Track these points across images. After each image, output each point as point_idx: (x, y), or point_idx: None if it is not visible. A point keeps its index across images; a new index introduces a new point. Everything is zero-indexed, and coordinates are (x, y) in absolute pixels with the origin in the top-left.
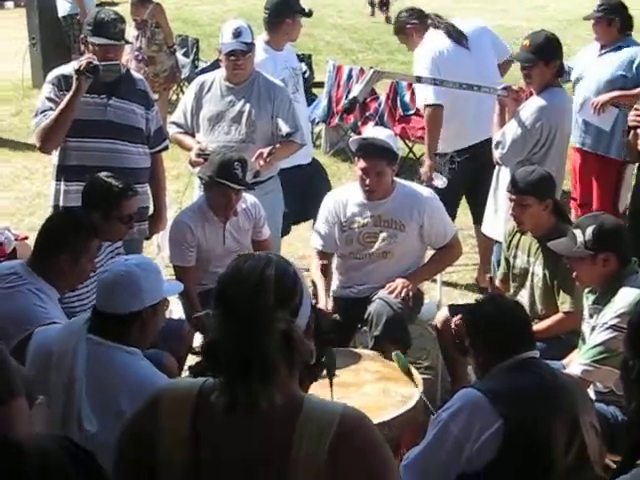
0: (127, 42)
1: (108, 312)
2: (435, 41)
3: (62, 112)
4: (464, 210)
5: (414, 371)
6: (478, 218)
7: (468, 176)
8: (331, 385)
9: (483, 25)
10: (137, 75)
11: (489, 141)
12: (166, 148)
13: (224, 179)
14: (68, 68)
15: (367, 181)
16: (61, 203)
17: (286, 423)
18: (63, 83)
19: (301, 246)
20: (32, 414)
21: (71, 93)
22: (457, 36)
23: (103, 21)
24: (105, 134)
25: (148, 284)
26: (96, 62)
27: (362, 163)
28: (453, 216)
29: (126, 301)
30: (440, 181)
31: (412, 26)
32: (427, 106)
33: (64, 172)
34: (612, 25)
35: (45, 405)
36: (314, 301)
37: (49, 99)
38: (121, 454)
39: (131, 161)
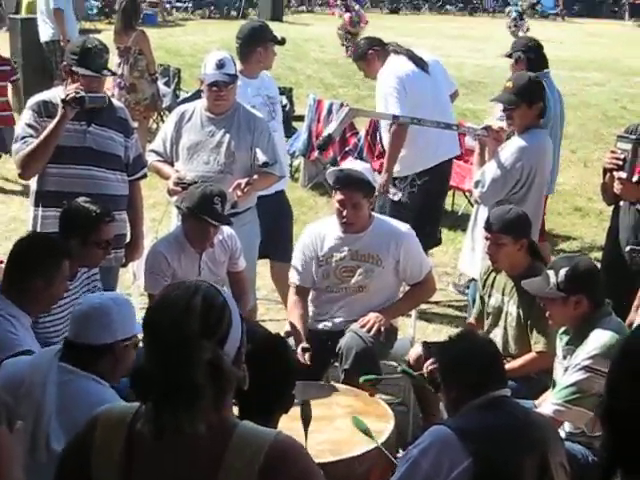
0: (113, 74)
1: (80, 342)
2: (399, 63)
3: (45, 140)
4: (441, 248)
5: (384, 406)
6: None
7: (427, 198)
8: (306, 437)
9: (436, 57)
10: (117, 103)
11: (450, 162)
12: (145, 176)
13: (203, 214)
14: (49, 94)
15: (344, 213)
16: (39, 229)
17: (215, 450)
18: (43, 110)
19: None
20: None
21: (56, 122)
22: (418, 61)
23: (89, 51)
24: (84, 161)
25: (120, 318)
26: (83, 93)
27: (339, 195)
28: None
29: (98, 332)
30: (395, 196)
31: (373, 52)
32: (394, 123)
33: (42, 198)
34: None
35: (22, 430)
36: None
37: (29, 125)
38: (61, 469)
39: (109, 188)
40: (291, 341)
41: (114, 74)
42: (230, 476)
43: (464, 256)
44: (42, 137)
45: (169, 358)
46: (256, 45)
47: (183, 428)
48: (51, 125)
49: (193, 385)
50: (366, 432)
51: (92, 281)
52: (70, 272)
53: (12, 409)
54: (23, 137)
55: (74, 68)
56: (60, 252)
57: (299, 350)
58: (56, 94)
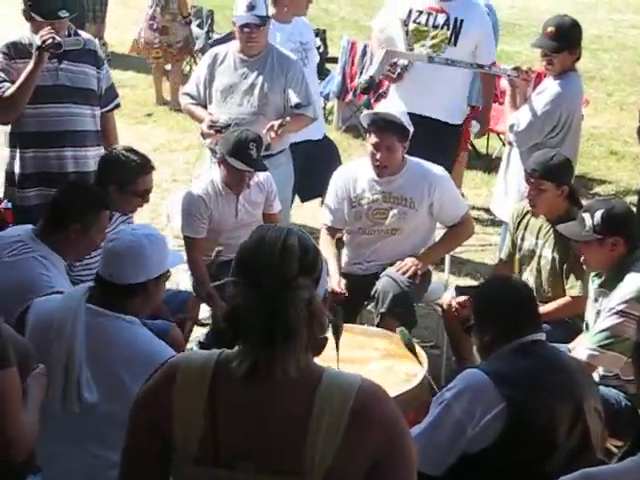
0: (71, 14)
1: (114, 282)
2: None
3: (22, 85)
4: (476, 191)
5: (418, 348)
6: None
7: None
8: (337, 347)
9: None
10: (85, 35)
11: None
12: (118, 106)
13: (238, 159)
14: (17, 35)
15: (378, 156)
16: (17, 170)
17: (305, 394)
18: (13, 51)
19: (309, 222)
20: (27, 384)
21: (32, 67)
22: None
23: None
24: (59, 99)
25: (156, 256)
26: (59, 38)
27: (373, 138)
28: None
29: (134, 272)
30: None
31: None
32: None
33: (19, 139)
34: None
35: (43, 374)
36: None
37: (1, 69)
38: (135, 423)
39: (85, 123)
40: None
41: (73, 14)
42: (322, 420)
43: (496, 199)
44: (19, 83)
45: (270, 297)
46: None
47: (275, 369)
48: (27, 70)
49: (291, 324)
50: (411, 348)
51: (127, 225)
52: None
53: (30, 353)
54: None
55: (32, 13)
56: (99, 202)
57: (335, 281)
58: (24, 35)
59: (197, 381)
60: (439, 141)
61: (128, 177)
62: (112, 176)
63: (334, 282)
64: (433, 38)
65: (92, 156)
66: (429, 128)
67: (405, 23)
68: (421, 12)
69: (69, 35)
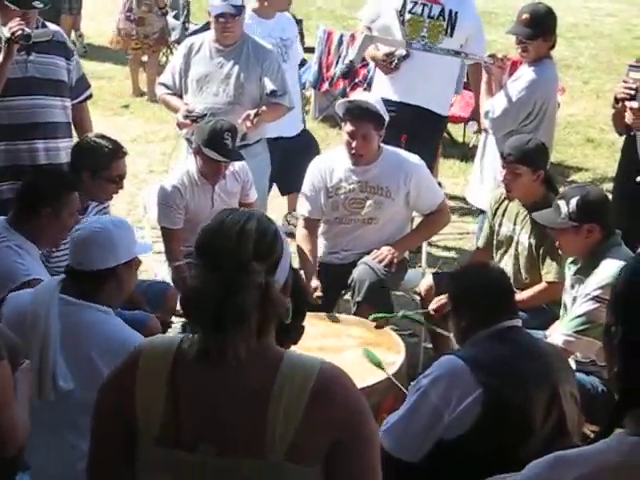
0: (45, 5)
1: (83, 269)
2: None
3: None
4: (453, 180)
5: (395, 337)
6: None
7: None
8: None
9: None
10: (53, 27)
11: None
12: (90, 97)
13: (213, 150)
14: None
15: (353, 144)
16: None
17: (263, 376)
18: None
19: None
20: (16, 378)
21: (1, 60)
22: None
23: None
24: (28, 91)
25: (123, 241)
26: (28, 30)
27: (348, 126)
28: None
29: (102, 257)
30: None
31: None
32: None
33: None
34: None
35: (29, 368)
36: (299, 267)
37: None
38: (100, 406)
39: (56, 115)
40: (301, 274)
41: (47, 6)
42: (280, 402)
43: (472, 186)
44: None
45: (222, 280)
46: None
47: (226, 351)
48: None
49: (241, 308)
50: (378, 364)
51: (103, 214)
52: (81, 206)
53: (18, 348)
54: None
55: (5, 2)
56: (68, 183)
57: (311, 286)
58: None
59: (158, 365)
60: (430, 132)
61: (101, 163)
62: (85, 163)
63: (309, 272)
64: (429, 29)
65: (63, 147)
66: (423, 119)
67: (400, 13)
68: (416, 2)
69: (36, 27)
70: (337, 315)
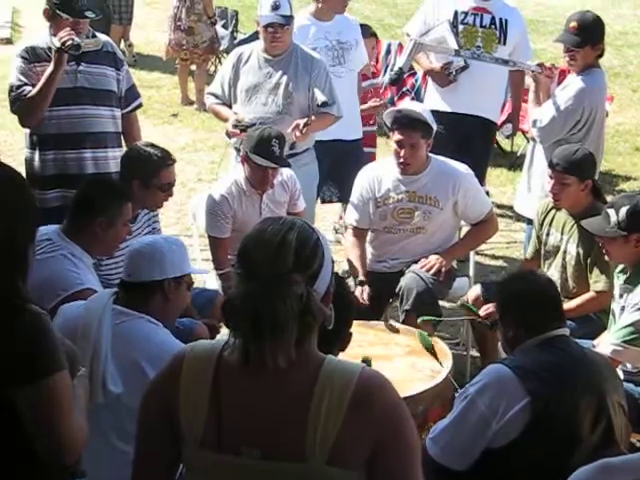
0: (96, 16)
1: (131, 281)
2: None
3: (43, 88)
4: (501, 189)
5: (442, 345)
6: None
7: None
8: None
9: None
10: (103, 37)
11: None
12: (139, 106)
13: (261, 156)
14: (35, 40)
15: (401, 153)
16: (37, 172)
17: (304, 381)
18: (32, 55)
19: (333, 217)
20: (74, 386)
21: (52, 69)
22: None
23: None
24: (78, 100)
25: (172, 256)
26: (77, 40)
27: (397, 135)
28: None
29: (148, 268)
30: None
31: None
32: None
33: (39, 141)
34: None
35: (85, 376)
36: (349, 276)
37: (22, 74)
38: (145, 413)
39: (105, 125)
40: (350, 282)
41: (98, 16)
42: (321, 408)
43: (520, 196)
44: (40, 85)
45: (261, 290)
46: None
47: (265, 359)
48: (47, 72)
49: (280, 318)
50: (428, 347)
51: (153, 222)
52: (132, 214)
53: (76, 356)
54: (18, 86)
55: (57, 11)
56: (122, 194)
57: (357, 287)
58: (42, 39)
59: (202, 370)
60: (485, 140)
61: (150, 171)
62: (134, 172)
63: (357, 290)
64: (483, 38)
65: (112, 157)
66: (478, 128)
67: (454, 25)
68: (466, 13)
69: (86, 37)
70: (384, 323)
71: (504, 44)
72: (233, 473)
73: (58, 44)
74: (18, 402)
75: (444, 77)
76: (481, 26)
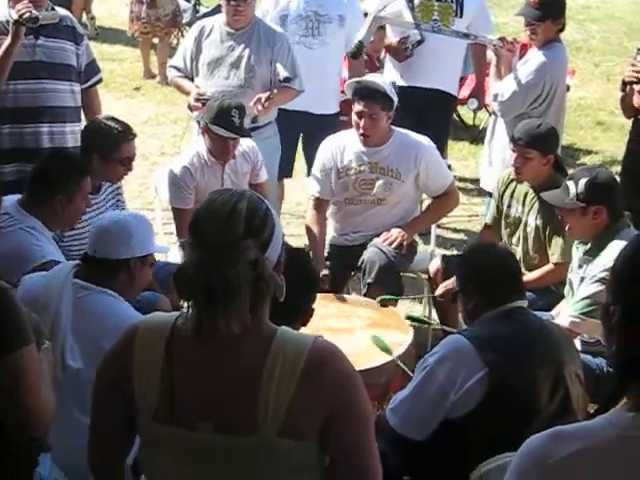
0: None
1: (98, 257)
2: None
3: (0, 61)
4: (463, 162)
5: (403, 318)
6: None
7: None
8: None
9: None
10: (63, 11)
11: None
12: (99, 81)
13: (221, 127)
14: None
15: (361, 124)
16: None
17: (256, 352)
18: None
19: (297, 192)
20: (40, 359)
21: (9, 42)
22: None
23: None
24: (36, 74)
25: (139, 235)
26: (35, 12)
27: (357, 106)
28: None
29: (116, 247)
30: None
31: None
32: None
33: None
34: None
35: (50, 349)
36: (307, 247)
37: None
38: (100, 382)
39: (64, 99)
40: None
41: None
42: (273, 378)
43: (482, 170)
44: None
45: (213, 258)
46: None
47: (218, 325)
48: (4, 45)
49: (232, 284)
50: (386, 350)
51: (116, 195)
52: (93, 186)
53: (41, 329)
54: None
55: None
56: (80, 168)
57: (321, 274)
58: (1, 12)
59: (154, 340)
60: (443, 112)
61: (110, 145)
62: (94, 145)
63: (318, 251)
64: (440, 12)
65: (70, 132)
66: (435, 100)
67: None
68: None
69: (46, 10)
70: (346, 296)
71: (461, 17)
72: (187, 446)
73: (16, 16)
74: None
75: (401, 52)
76: (437, 0)
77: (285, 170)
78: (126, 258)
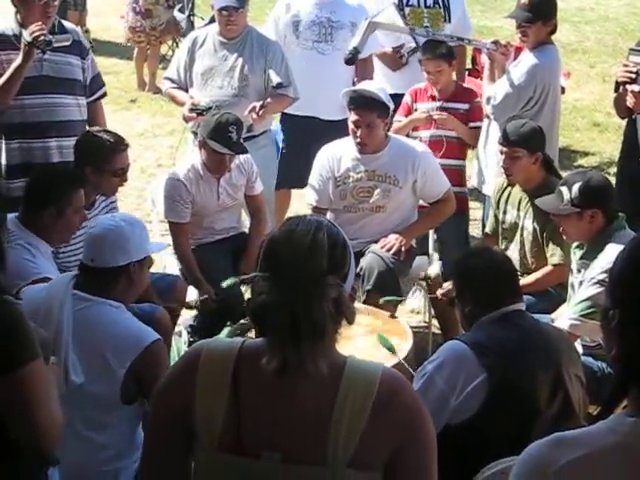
0: None
1: (95, 266)
2: None
3: (10, 79)
4: None
5: (403, 324)
6: None
7: None
8: None
9: None
10: (69, 25)
11: None
12: (104, 95)
13: (218, 142)
14: (1, 26)
15: (358, 133)
16: (3, 161)
17: (328, 383)
18: None
19: (294, 202)
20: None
21: (20, 62)
22: None
23: None
24: (43, 89)
25: (135, 239)
26: (49, 37)
27: (353, 115)
28: None
29: (114, 254)
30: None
31: None
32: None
33: (4, 130)
34: None
35: (56, 363)
36: None
37: None
38: (157, 410)
39: (70, 113)
40: None
41: None
42: (345, 409)
43: (477, 173)
44: (6, 76)
45: (297, 294)
46: None
47: (306, 366)
48: (15, 64)
49: (318, 322)
50: (390, 349)
51: (111, 209)
52: (87, 201)
53: (48, 344)
54: None
55: None
56: (71, 181)
57: None
58: (9, 25)
59: (220, 369)
60: None
61: (103, 157)
62: (87, 158)
63: None
64: (430, 18)
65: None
66: None
67: (400, 8)
68: None
69: (53, 26)
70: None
71: (449, 22)
72: (250, 476)
73: (29, 38)
74: None
75: (396, 60)
76: (426, 6)
77: (292, 179)
78: (125, 264)
